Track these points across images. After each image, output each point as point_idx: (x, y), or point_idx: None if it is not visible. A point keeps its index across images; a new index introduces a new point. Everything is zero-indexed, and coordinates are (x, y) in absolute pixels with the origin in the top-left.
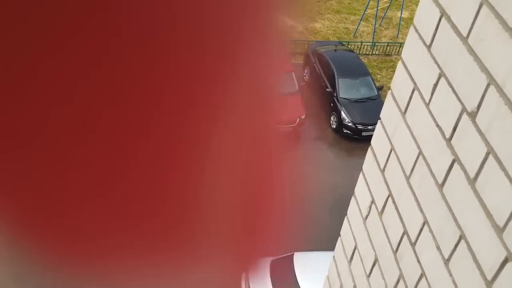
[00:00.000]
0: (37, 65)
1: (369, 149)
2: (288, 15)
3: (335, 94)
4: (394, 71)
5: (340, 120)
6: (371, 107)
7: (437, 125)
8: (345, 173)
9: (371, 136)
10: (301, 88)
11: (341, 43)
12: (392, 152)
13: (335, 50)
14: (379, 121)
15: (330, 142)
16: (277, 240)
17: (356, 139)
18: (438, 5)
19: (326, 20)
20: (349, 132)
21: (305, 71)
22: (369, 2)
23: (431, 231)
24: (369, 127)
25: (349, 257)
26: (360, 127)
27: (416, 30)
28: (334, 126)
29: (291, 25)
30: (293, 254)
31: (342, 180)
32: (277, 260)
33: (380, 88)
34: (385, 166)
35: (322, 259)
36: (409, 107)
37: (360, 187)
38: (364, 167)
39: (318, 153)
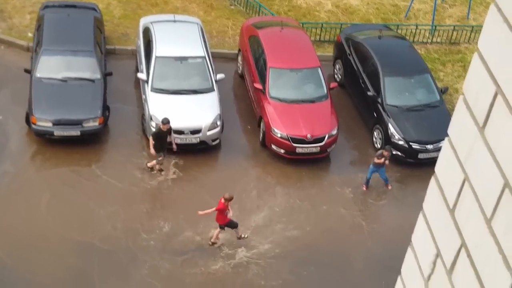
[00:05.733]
0: None
1: (432, 180)
2: None
3: (379, 100)
4: (464, 66)
5: (387, 137)
6: (431, 119)
7: None
8: (393, 213)
9: (431, 160)
10: (331, 90)
11: (387, 27)
12: (466, 183)
13: (380, 37)
14: (446, 139)
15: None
16: None
17: (410, 164)
18: None
19: None
20: (399, 153)
21: (337, 66)
22: None
23: None
24: (429, 146)
25: None
26: (415, 146)
27: (499, 9)
28: (379, 145)
29: (316, 0)
30: None
31: (388, 224)
32: None
33: (444, 91)
34: (455, 204)
35: None
36: (491, 118)
37: (419, 235)
38: (425, 205)
39: (354, 185)
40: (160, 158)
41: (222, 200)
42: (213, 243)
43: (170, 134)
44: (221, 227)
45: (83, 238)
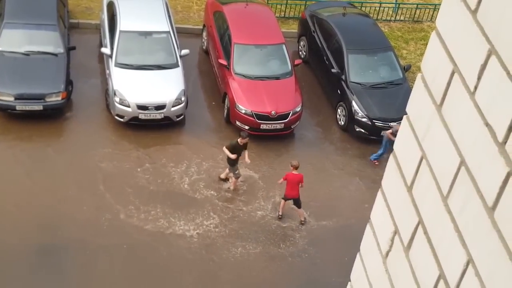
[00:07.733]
0: None
1: (391, 157)
2: None
3: (343, 77)
4: (426, 44)
5: (350, 114)
6: (394, 96)
7: (487, 124)
8: (355, 190)
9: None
10: (295, 67)
11: (351, 5)
12: (424, 161)
13: (344, 15)
14: (404, 117)
15: (335, 145)
16: None
17: (373, 140)
18: None
19: None
20: (362, 130)
21: (302, 43)
22: None
23: (478, 274)
24: (391, 124)
25: None
26: (378, 123)
27: None
28: (342, 123)
29: None
30: None
31: (351, 200)
32: None
33: (407, 69)
34: (413, 182)
35: None
36: (447, 97)
37: (377, 212)
38: (384, 182)
39: (317, 162)
40: (236, 172)
41: (295, 171)
42: (302, 222)
43: (246, 148)
44: (297, 203)
45: (42, 213)
